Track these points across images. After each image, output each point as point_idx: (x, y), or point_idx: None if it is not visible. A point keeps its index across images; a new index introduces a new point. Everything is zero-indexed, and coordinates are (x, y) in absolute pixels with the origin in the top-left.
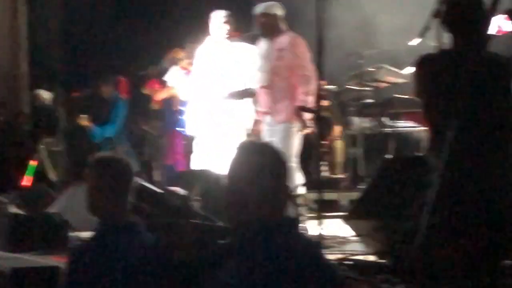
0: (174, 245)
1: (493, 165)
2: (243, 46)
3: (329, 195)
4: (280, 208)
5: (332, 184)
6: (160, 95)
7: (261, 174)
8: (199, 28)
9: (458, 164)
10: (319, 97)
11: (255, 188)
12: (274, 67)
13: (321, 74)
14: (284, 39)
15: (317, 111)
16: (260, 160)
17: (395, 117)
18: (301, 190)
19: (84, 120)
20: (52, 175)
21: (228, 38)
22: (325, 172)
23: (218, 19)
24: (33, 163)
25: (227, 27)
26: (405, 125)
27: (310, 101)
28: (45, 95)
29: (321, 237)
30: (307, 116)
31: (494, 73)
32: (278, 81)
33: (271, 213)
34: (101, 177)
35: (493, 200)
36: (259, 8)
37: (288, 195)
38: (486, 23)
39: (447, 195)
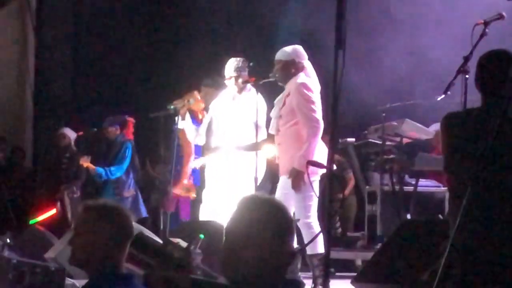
0: None
1: (503, 226)
2: (253, 96)
3: (345, 255)
4: (280, 270)
5: (348, 243)
6: None
7: (260, 231)
8: (215, 72)
9: (476, 231)
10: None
11: (252, 246)
12: (282, 112)
13: (337, 126)
14: (292, 84)
15: (328, 167)
16: (260, 216)
17: (418, 175)
18: (321, 249)
19: (86, 162)
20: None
21: (242, 83)
22: (338, 229)
23: (231, 67)
24: (50, 212)
25: (241, 75)
26: (428, 184)
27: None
28: (71, 135)
29: None
30: (319, 171)
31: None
32: (285, 128)
33: (269, 274)
34: (96, 226)
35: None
36: (277, 55)
37: (293, 256)
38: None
39: (457, 264)
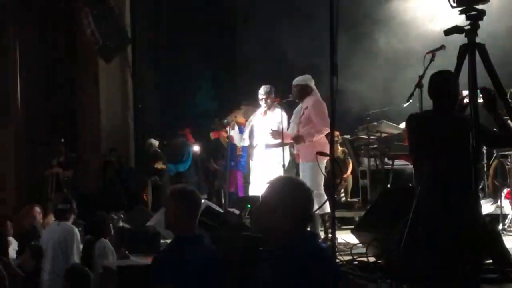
0: (230, 251)
1: (453, 194)
2: (278, 112)
3: (347, 214)
4: (302, 226)
5: (349, 206)
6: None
7: (286, 199)
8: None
9: (429, 193)
10: (333, 143)
11: (281, 210)
12: (301, 118)
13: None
14: (309, 101)
15: (331, 155)
16: (286, 189)
17: (393, 158)
18: (327, 209)
19: (160, 165)
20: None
21: (269, 103)
22: (342, 197)
23: (262, 92)
24: (146, 197)
25: (269, 97)
26: (401, 164)
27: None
28: (155, 143)
29: (334, 244)
30: (325, 158)
31: (460, 130)
32: (303, 130)
33: (294, 229)
34: (177, 203)
35: (455, 220)
36: (294, 81)
37: (310, 217)
38: (456, 94)
39: (422, 214)
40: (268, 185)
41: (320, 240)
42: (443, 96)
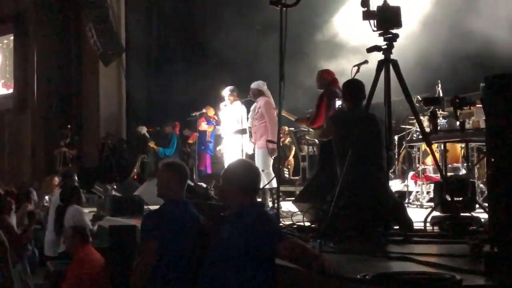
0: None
1: (369, 174)
2: (240, 106)
3: (289, 188)
4: (252, 197)
5: (292, 183)
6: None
7: (240, 177)
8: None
9: (351, 173)
10: (279, 134)
11: (236, 183)
12: (256, 115)
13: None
14: (261, 101)
15: (278, 143)
16: (241, 169)
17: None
18: (275, 185)
19: (152, 144)
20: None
21: (232, 101)
22: (286, 175)
23: (226, 92)
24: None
25: (232, 95)
26: None
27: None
28: (143, 129)
29: (279, 212)
30: (274, 145)
31: (371, 125)
32: (257, 124)
33: (246, 199)
34: (169, 173)
35: (371, 193)
36: (252, 85)
37: (258, 189)
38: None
39: (345, 189)
40: (229, 164)
41: (268, 209)
42: (359, 99)
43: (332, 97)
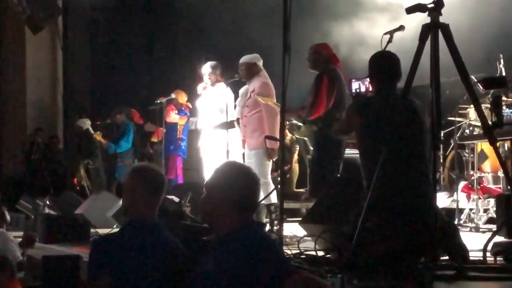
0: None
1: (409, 184)
2: (224, 89)
3: (293, 205)
4: (247, 215)
5: (295, 196)
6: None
7: (232, 189)
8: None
9: (383, 183)
10: (283, 129)
11: (226, 198)
12: (247, 102)
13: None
14: (256, 83)
15: (281, 139)
16: (233, 177)
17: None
18: (274, 200)
19: (99, 136)
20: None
21: (214, 82)
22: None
23: (206, 69)
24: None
25: (214, 74)
26: (351, 152)
27: (276, 131)
28: (86, 124)
29: (283, 236)
30: (274, 144)
31: (410, 115)
32: (249, 114)
33: (239, 218)
34: (137, 182)
35: (410, 212)
36: (241, 60)
37: (256, 205)
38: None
39: (374, 206)
40: (213, 171)
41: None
42: (392, 79)
43: (336, 79)
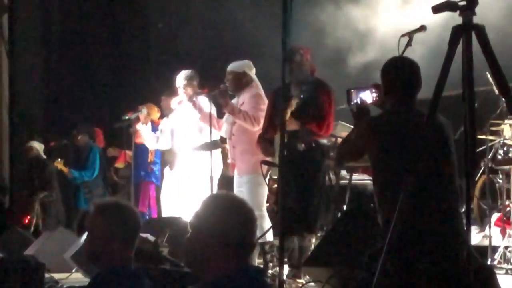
0: None
1: (436, 218)
2: (205, 103)
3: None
4: (242, 258)
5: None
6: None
7: (224, 224)
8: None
9: (405, 217)
10: (283, 149)
11: (216, 238)
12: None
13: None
14: (246, 95)
15: (281, 165)
16: (222, 211)
17: (352, 170)
18: (269, 237)
19: (60, 164)
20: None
21: (189, 93)
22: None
23: (181, 80)
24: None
25: (190, 85)
26: (361, 178)
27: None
28: (38, 146)
29: (282, 282)
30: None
31: (436, 135)
32: (239, 133)
33: (232, 262)
34: (107, 222)
35: (439, 252)
36: (229, 67)
37: (253, 246)
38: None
39: (395, 245)
40: (199, 205)
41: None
42: (412, 90)
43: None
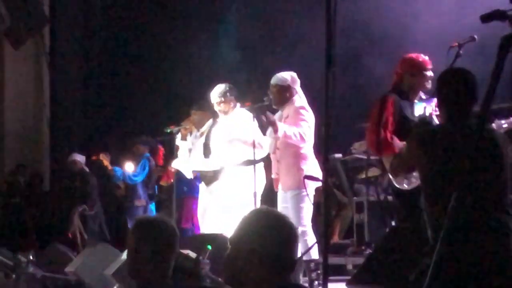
0: None
1: (489, 237)
2: (245, 117)
3: (337, 260)
4: (283, 276)
5: (340, 249)
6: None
7: (264, 241)
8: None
9: (456, 235)
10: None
11: (256, 255)
12: None
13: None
14: (290, 108)
15: (323, 181)
16: (263, 227)
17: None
18: (315, 255)
19: (105, 159)
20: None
21: (228, 110)
22: (333, 237)
23: (216, 93)
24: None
25: (226, 100)
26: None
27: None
28: (80, 159)
29: None
30: (315, 184)
31: (493, 148)
32: (284, 148)
33: (273, 280)
34: (141, 239)
35: (492, 272)
36: (272, 80)
37: (294, 263)
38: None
39: (445, 264)
40: (239, 221)
41: None
42: (468, 103)
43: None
